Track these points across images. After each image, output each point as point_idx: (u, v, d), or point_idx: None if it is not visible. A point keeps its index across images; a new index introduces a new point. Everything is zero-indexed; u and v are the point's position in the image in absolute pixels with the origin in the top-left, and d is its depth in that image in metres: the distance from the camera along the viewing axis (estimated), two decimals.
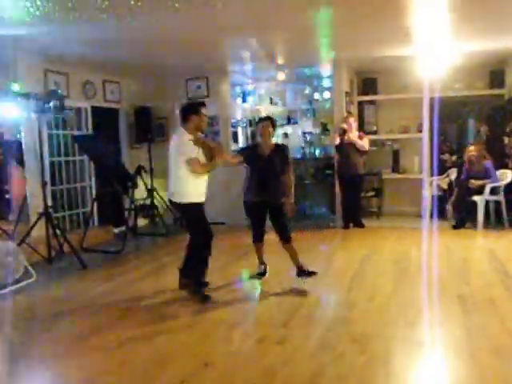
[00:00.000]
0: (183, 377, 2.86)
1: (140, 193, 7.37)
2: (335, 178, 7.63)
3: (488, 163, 6.99)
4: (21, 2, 4.09)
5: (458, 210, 7.19)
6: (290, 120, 8.82)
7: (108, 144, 7.00)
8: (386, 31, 5.63)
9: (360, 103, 8.47)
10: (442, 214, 7.39)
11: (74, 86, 7.02)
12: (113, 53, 6.28)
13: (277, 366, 3.02)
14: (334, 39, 6.13)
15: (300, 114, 8.90)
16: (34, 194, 6.02)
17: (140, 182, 7.10)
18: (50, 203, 5.88)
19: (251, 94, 8.81)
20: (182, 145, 4.29)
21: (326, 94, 8.43)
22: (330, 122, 8.32)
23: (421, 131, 7.84)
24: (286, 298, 4.29)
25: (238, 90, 8.81)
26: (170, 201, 4.51)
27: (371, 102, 8.49)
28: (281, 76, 8.22)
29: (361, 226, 7.38)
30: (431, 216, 7.32)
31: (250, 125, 8.94)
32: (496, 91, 7.78)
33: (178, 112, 4.68)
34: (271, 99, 8.75)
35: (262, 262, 4.88)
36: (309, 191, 8.33)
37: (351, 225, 7.39)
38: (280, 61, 7.35)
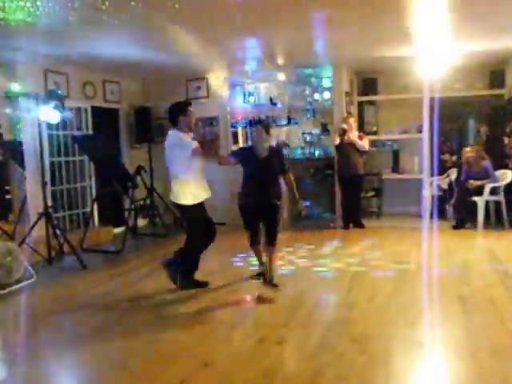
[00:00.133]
0: (183, 377, 2.86)
1: (140, 193, 7.37)
2: (335, 178, 7.63)
3: (486, 163, 7.00)
4: (21, 3, 4.09)
5: (458, 210, 7.20)
6: (290, 120, 8.80)
7: (108, 144, 7.00)
8: (385, 31, 5.64)
9: (360, 103, 8.48)
10: (442, 214, 7.40)
11: (73, 86, 7.02)
12: (113, 53, 6.27)
13: (277, 366, 3.02)
14: (334, 39, 6.13)
15: (300, 115, 8.89)
16: (34, 194, 6.02)
17: (140, 182, 7.10)
18: (50, 203, 5.88)
19: (251, 95, 8.80)
20: (182, 139, 4.35)
21: (326, 95, 8.41)
22: (330, 123, 8.31)
23: (421, 131, 7.84)
24: (286, 298, 4.29)
25: (238, 90, 8.81)
26: (173, 202, 4.53)
27: (371, 103, 8.50)
28: (281, 76, 8.23)
29: (361, 226, 7.38)
30: (431, 216, 7.32)
31: (250, 125, 8.93)
32: (496, 91, 7.78)
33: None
34: (271, 99, 8.74)
35: (261, 263, 4.87)
36: (309, 191, 8.32)
37: (351, 225, 7.39)
38: (280, 61, 7.35)
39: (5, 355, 3.35)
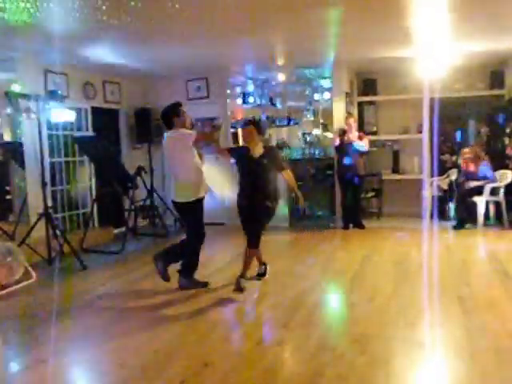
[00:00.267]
0: (183, 377, 2.86)
1: (140, 193, 7.38)
2: (335, 179, 7.63)
3: (484, 164, 7.01)
4: (21, 3, 4.10)
5: (458, 210, 7.20)
6: (290, 121, 8.82)
7: (108, 145, 7.00)
8: (385, 32, 5.64)
9: (360, 104, 8.47)
10: (442, 215, 7.40)
11: (74, 86, 7.02)
12: (113, 53, 6.28)
13: (277, 366, 3.02)
14: (334, 40, 6.13)
15: (300, 115, 8.90)
16: (34, 194, 6.02)
17: (140, 183, 7.10)
18: (50, 204, 5.87)
19: (251, 95, 8.81)
20: (182, 132, 4.42)
21: (326, 95, 8.43)
22: (330, 123, 8.32)
23: (421, 132, 7.84)
24: (286, 298, 4.29)
25: (238, 90, 8.82)
26: (176, 202, 4.53)
27: (371, 103, 8.50)
28: (281, 77, 8.24)
29: (361, 226, 7.38)
30: (431, 216, 7.32)
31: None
32: (496, 92, 7.78)
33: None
34: (271, 100, 8.75)
35: (261, 263, 4.87)
36: (309, 192, 8.32)
37: (351, 225, 7.39)
38: (280, 61, 7.36)
39: (4, 356, 3.35)
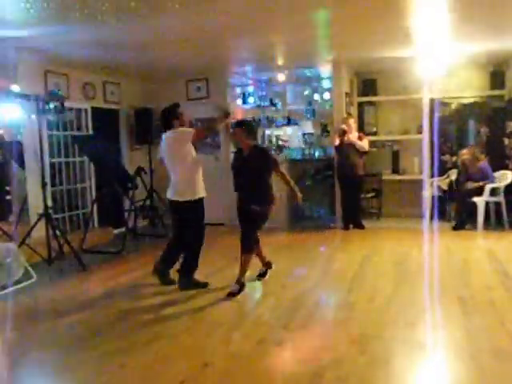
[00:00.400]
0: (183, 377, 2.86)
1: (140, 194, 7.38)
2: (335, 179, 7.63)
3: (482, 164, 7.01)
4: (22, 4, 4.10)
5: (458, 211, 7.20)
6: (290, 121, 8.81)
7: (108, 145, 7.00)
8: (385, 32, 5.64)
9: (360, 104, 8.48)
10: (442, 215, 7.40)
11: (74, 86, 7.02)
12: (113, 54, 6.28)
13: (276, 366, 3.02)
14: (334, 40, 6.13)
15: (300, 115, 8.89)
16: (34, 194, 6.02)
17: (140, 183, 7.10)
18: (49, 204, 5.87)
19: (251, 95, 8.80)
20: (182, 130, 4.46)
21: (326, 95, 8.42)
22: (329, 123, 8.31)
23: (421, 132, 7.84)
24: (286, 298, 4.29)
25: (238, 90, 8.81)
26: (174, 201, 4.54)
27: (371, 103, 8.50)
28: (281, 77, 8.23)
29: (361, 226, 7.38)
30: (431, 217, 7.32)
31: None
32: (496, 92, 7.79)
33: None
34: (271, 100, 8.74)
35: (264, 264, 4.86)
36: (309, 192, 8.31)
37: (351, 226, 7.39)
38: (280, 62, 7.36)
39: (4, 356, 3.35)
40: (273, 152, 8.59)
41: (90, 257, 6.08)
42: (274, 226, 6.82)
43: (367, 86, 8.42)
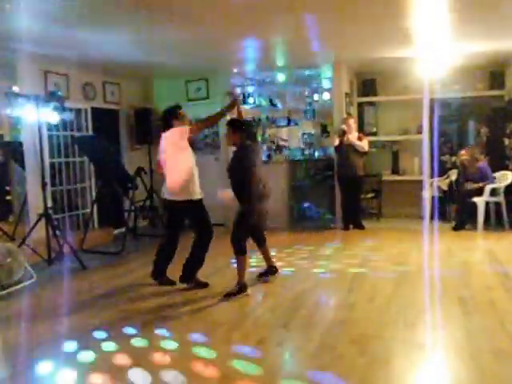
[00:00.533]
0: (183, 377, 2.86)
1: (140, 194, 7.38)
2: (335, 179, 7.63)
3: (482, 165, 7.01)
4: (22, 4, 4.10)
5: (458, 211, 7.20)
6: (289, 121, 8.82)
7: (108, 145, 7.00)
8: (385, 32, 5.64)
9: (360, 104, 8.48)
10: (442, 216, 7.40)
11: (73, 87, 7.02)
12: (113, 54, 6.28)
13: (277, 367, 3.02)
14: (334, 40, 6.14)
15: (300, 116, 8.90)
16: (34, 194, 6.02)
17: (140, 184, 7.10)
18: (49, 204, 5.88)
19: (251, 96, 8.81)
20: (180, 129, 4.48)
21: (326, 96, 8.43)
22: (329, 124, 8.32)
23: (420, 133, 7.84)
24: (286, 298, 4.29)
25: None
26: (175, 201, 4.55)
27: (371, 104, 8.51)
28: (281, 77, 8.24)
29: (361, 227, 7.38)
30: (431, 217, 7.32)
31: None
32: (496, 92, 7.79)
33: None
34: (271, 100, 8.75)
35: (269, 265, 4.83)
36: (309, 192, 8.33)
37: (351, 226, 7.39)
38: (280, 62, 7.36)
39: (5, 356, 3.35)
40: (273, 152, 8.62)
41: (90, 257, 6.08)
42: (275, 226, 6.84)
43: (367, 86, 8.42)
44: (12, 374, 3.05)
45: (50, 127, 6.50)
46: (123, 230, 6.94)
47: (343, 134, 7.26)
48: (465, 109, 8.12)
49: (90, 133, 7.34)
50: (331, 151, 7.92)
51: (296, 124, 8.93)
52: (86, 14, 4.38)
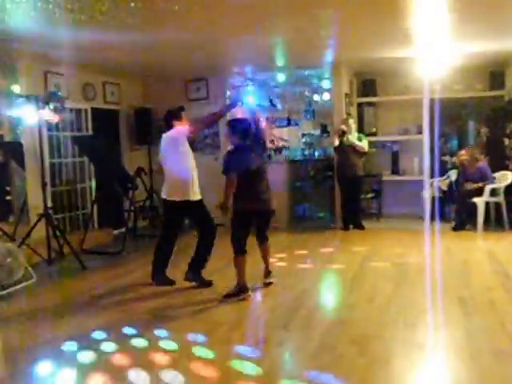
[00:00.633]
0: (183, 378, 2.86)
1: (140, 194, 7.38)
2: (335, 180, 7.63)
3: (481, 165, 7.01)
4: (22, 4, 4.10)
5: (457, 211, 7.20)
6: (289, 122, 8.83)
7: (108, 145, 7.00)
8: (385, 32, 5.64)
9: (359, 105, 8.48)
10: (442, 216, 7.40)
11: (74, 87, 7.02)
12: (113, 55, 6.28)
13: (277, 367, 3.02)
14: (334, 41, 6.14)
15: (300, 116, 8.91)
16: (34, 194, 6.03)
17: (140, 184, 7.10)
18: (49, 204, 5.88)
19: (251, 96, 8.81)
20: (178, 130, 4.53)
21: (326, 96, 8.43)
22: (329, 124, 8.32)
23: (420, 133, 7.84)
24: (286, 299, 4.29)
25: (237, 91, 8.82)
26: (174, 201, 4.56)
27: (371, 104, 8.50)
28: (281, 77, 8.24)
29: (361, 227, 7.38)
30: (431, 218, 7.31)
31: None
32: (496, 92, 7.79)
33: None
34: (271, 100, 8.75)
35: (267, 269, 4.80)
36: (308, 192, 8.33)
37: (351, 226, 7.39)
38: (280, 62, 7.36)
39: (5, 356, 3.35)
40: (273, 152, 8.62)
41: (90, 257, 6.08)
42: (274, 226, 6.82)
43: (367, 86, 8.42)
44: (12, 373, 3.05)
45: (49, 127, 6.50)
46: (123, 230, 6.94)
47: (343, 134, 7.26)
48: (465, 109, 8.11)
49: (90, 133, 7.33)
50: (331, 151, 7.92)
51: (296, 124, 8.93)
52: (85, 13, 4.37)
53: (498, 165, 7.23)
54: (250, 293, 4.36)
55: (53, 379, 3.00)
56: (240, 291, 4.31)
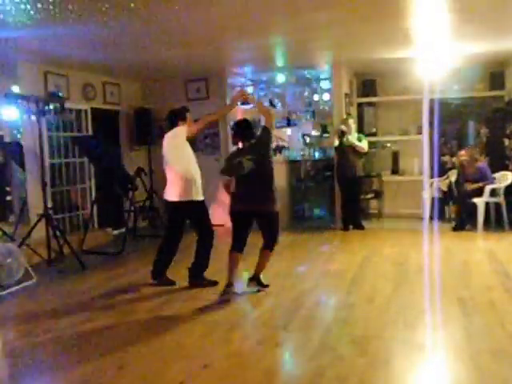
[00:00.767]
0: (183, 378, 2.86)
1: (140, 195, 7.38)
2: (335, 180, 7.63)
3: (481, 165, 7.01)
4: (21, 5, 4.10)
5: (457, 212, 7.20)
6: (289, 122, 8.81)
7: (108, 146, 7.00)
8: (385, 33, 5.64)
9: (359, 105, 8.48)
10: (442, 216, 7.39)
11: (74, 87, 7.03)
12: (113, 55, 6.28)
13: (276, 367, 3.02)
14: (334, 41, 6.14)
15: (300, 116, 8.89)
16: (34, 195, 6.03)
17: (140, 184, 7.10)
18: (49, 205, 5.88)
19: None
20: (179, 129, 4.54)
21: (326, 96, 8.43)
22: (329, 124, 8.32)
23: (420, 133, 7.84)
24: (286, 299, 4.29)
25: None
26: (175, 202, 4.56)
27: (371, 104, 8.51)
28: (280, 78, 8.24)
29: (360, 227, 7.38)
30: (431, 218, 7.32)
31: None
32: (496, 93, 7.79)
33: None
34: (271, 101, 8.74)
35: (257, 272, 4.76)
36: (308, 193, 8.33)
37: (351, 227, 7.39)
38: (280, 63, 7.36)
39: (5, 356, 3.35)
40: (272, 152, 8.61)
41: (90, 257, 6.08)
42: None
43: (367, 86, 8.42)
44: (12, 373, 3.06)
45: (49, 128, 6.50)
46: (123, 230, 6.94)
47: (343, 134, 7.26)
48: (465, 109, 8.12)
49: (90, 133, 7.33)
50: (331, 152, 7.92)
51: (296, 125, 8.91)
52: (82, 11, 4.37)
53: (498, 165, 7.23)
54: (233, 288, 4.40)
55: (51, 380, 3.00)
56: (226, 285, 4.37)
